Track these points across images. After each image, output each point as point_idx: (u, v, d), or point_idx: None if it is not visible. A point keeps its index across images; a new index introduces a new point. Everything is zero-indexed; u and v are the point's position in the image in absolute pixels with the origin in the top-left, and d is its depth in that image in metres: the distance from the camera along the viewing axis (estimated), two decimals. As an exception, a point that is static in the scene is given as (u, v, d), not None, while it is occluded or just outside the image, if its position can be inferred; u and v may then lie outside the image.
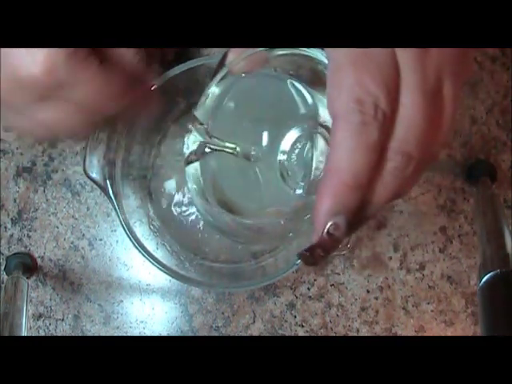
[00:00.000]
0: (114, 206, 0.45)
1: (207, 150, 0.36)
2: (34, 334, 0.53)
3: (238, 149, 0.36)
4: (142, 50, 0.37)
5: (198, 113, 0.35)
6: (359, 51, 0.27)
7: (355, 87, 0.27)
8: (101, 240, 0.52)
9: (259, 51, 0.33)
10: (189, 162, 0.37)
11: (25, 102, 0.33)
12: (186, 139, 0.36)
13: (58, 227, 0.52)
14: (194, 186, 0.37)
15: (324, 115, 0.35)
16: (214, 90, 0.35)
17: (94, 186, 0.48)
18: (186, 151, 0.36)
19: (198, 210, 0.39)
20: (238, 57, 0.33)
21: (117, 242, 0.52)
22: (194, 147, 0.36)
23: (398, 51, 0.27)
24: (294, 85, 0.36)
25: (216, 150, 0.36)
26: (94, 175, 0.44)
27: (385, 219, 0.53)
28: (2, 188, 0.52)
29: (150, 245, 0.47)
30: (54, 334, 0.53)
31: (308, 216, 0.37)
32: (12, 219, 0.53)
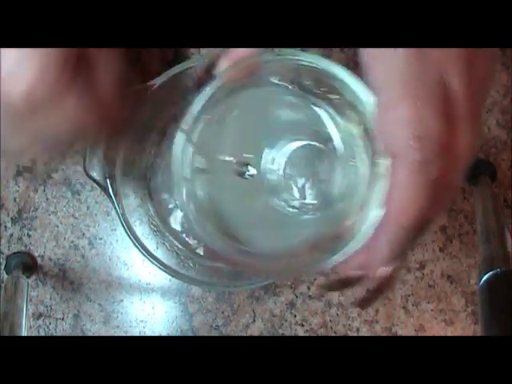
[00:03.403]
0: (114, 205, 0.45)
1: (199, 166, 0.33)
2: (34, 333, 0.53)
3: (230, 165, 0.34)
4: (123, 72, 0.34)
5: (186, 126, 0.32)
6: (413, 83, 0.26)
7: (415, 123, 0.25)
8: (101, 239, 0.52)
9: (252, 59, 0.31)
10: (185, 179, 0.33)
11: (26, 109, 0.30)
12: (176, 155, 0.33)
13: (57, 226, 0.52)
14: (192, 207, 0.34)
15: (328, 128, 0.34)
16: (204, 102, 0.32)
17: (94, 185, 0.48)
18: (178, 167, 0.33)
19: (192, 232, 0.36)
20: (230, 65, 0.32)
21: (117, 241, 0.52)
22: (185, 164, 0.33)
23: (447, 78, 0.26)
24: (292, 95, 0.34)
25: (206, 168, 0.34)
26: (94, 174, 0.44)
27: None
28: (2, 187, 0.52)
29: (150, 244, 0.47)
30: (54, 334, 0.53)
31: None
32: (12, 218, 0.53)
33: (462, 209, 0.53)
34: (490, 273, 0.43)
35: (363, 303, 0.31)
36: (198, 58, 0.44)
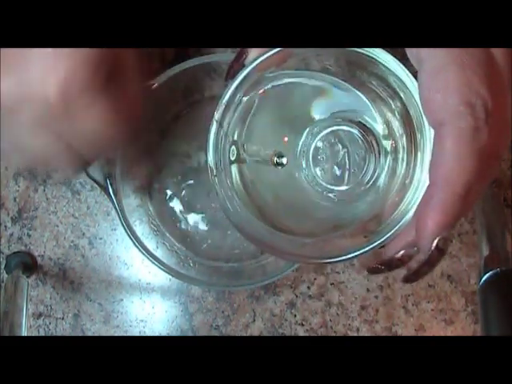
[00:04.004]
0: (114, 204, 0.45)
1: (233, 156, 0.34)
2: (33, 332, 0.53)
3: (264, 155, 0.34)
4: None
5: (219, 116, 0.32)
6: (459, 50, 0.26)
7: (464, 89, 0.25)
8: (101, 239, 0.52)
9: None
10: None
11: (24, 119, 0.30)
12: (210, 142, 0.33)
13: (58, 226, 0.52)
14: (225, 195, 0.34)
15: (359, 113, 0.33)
16: (235, 91, 0.32)
17: (94, 185, 0.49)
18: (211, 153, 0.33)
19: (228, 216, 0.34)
20: (261, 54, 0.31)
21: (117, 240, 0.52)
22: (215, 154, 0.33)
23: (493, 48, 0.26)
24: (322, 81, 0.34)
25: (239, 157, 0.34)
26: (94, 174, 0.44)
27: (385, 218, 0.53)
28: (2, 187, 0.52)
29: (150, 244, 0.47)
30: (54, 333, 0.53)
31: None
32: (12, 218, 0.53)
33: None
34: (490, 273, 0.43)
35: (412, 277, 0.30)
36: (199, 57, 0.44)
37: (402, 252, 0.30)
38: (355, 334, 0.52)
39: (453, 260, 0.53)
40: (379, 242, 0.31)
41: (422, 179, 0.30)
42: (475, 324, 0.52)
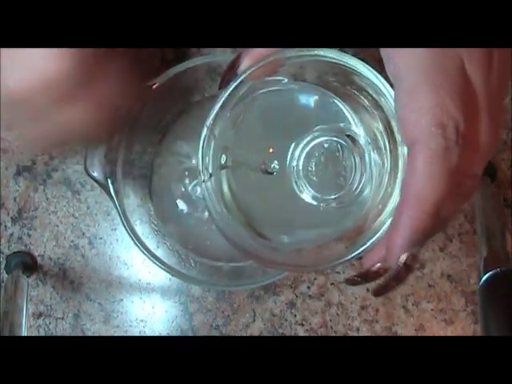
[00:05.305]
0: (115, 204, 0.45)
1: (223, 162, 0.34)
2: (33, 332, 0.53)
3: (253, 161, 0.35)
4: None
5: (210, 122, 0.33)
6: (435, 70, 0.26)
7: (436, 110, 0.26)
8: (101, 239, 0.52)
9: (275, 56, 0.31)
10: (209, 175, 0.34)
11: (47, 103, 0.31)
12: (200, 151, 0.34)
13: (58, 226, 0.52)
14: (216, 203, 0.34)
15: (348, 125, 0.34)
16: (228, 99, 0.33)
17: (94, 185, 0.49)
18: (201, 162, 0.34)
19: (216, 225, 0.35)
20: (253, 63, 0.32)
21: (117, 240, 0.52)
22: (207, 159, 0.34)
23: (467, 66, 0.26)
24: (312, 93, 0.35)
25: (229, 164, 0.34)
26: (94, 174, 0.44)
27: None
28: (2, 187, 0.52)
29: (151, 243, 0.47)
30: (54, 333, 0.53)
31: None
32: (12, 218, 0.53)
33: (462, 208, 0.53)
34: (490, 273, 0.43)
35: (380, 291, 0.31)
36: (199, 57, 0.44)
37: (378, 265, 0.31)
38: (355, 334, 0.52)
39: (453, 260, 0.53)
40: (357, 252, 0.31)
41: (399, 191, 0.30)
42: (475, 324, 0.52)
